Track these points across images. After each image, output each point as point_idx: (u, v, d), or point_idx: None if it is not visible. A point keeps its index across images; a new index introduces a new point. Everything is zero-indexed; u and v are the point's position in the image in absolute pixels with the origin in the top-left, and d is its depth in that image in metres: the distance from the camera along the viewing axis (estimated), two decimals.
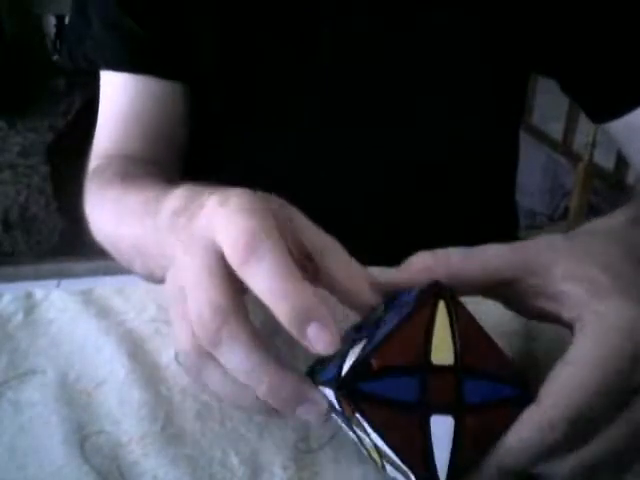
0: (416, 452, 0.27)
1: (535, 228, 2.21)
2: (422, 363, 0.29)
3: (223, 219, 0.31)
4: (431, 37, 0.60)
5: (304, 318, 0.29)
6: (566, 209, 2.16)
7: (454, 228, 0.70)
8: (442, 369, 0.29)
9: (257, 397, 0.31)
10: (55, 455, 0.36)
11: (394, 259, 0.52)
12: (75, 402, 0.39)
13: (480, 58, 0.61)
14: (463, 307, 0.31)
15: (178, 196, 0.38)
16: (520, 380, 0.30)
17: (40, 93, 2.39)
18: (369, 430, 0.28)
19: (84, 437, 0.37)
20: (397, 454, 0.27)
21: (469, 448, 0.28)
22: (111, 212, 0.52)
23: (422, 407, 0.28)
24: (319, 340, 0.29)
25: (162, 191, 0.42)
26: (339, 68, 0.61)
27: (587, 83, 0.62)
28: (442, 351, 0.29)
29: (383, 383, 0.28)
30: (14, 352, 0.43)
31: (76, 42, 2.17)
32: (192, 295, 0.31)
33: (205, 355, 0.31)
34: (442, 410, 0.28)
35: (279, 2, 0.60)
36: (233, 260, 0.30)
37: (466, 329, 0.30)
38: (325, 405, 0.30)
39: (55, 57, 2.55)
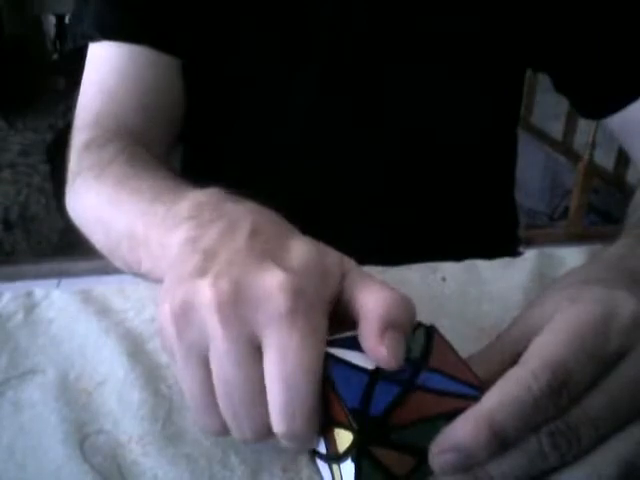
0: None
1: (535, 227, 2.21)
2: None
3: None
4: (430, 37, 0.60)
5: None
6: (566, 208, 2.17)
7: (454, 228, 0.70)
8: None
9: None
10: (55, 455, 0.36)
11: (393, 259, 0.52)
12: (75, 401, 0.39)
13: (477, 56, 0.62)
14: (442, 336, 0.32)
15: (189, 225, 0.35)
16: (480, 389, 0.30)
17: (40, 93, 2.39)
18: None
19: (84, 436, 0.37)
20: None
21: (405, 416, 0.28)
22: (112, 190, 0.49)
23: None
24: None
25: (176, 188, 0.42)
26: (338, 68, 0.61)
27: (577, 80, 0.63)
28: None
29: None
30: (14, 351, 0.43)
31: (77, 24, 2.17)
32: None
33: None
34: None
35: (279, 2, 0.60)
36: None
37: (439, 347, 0.31)
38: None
39: (55, 57, 2.55)
